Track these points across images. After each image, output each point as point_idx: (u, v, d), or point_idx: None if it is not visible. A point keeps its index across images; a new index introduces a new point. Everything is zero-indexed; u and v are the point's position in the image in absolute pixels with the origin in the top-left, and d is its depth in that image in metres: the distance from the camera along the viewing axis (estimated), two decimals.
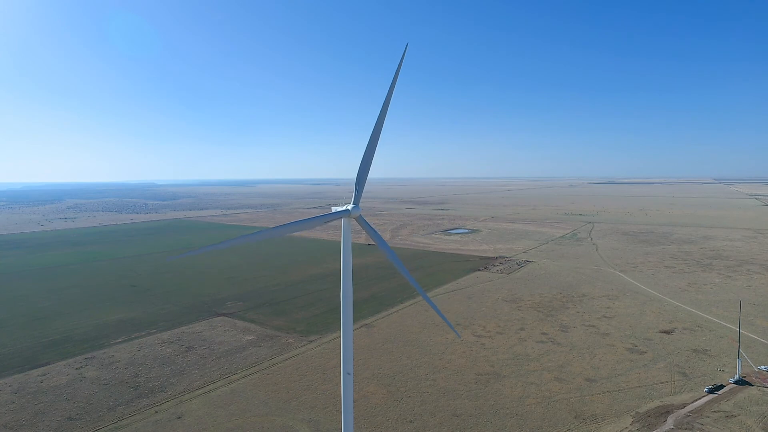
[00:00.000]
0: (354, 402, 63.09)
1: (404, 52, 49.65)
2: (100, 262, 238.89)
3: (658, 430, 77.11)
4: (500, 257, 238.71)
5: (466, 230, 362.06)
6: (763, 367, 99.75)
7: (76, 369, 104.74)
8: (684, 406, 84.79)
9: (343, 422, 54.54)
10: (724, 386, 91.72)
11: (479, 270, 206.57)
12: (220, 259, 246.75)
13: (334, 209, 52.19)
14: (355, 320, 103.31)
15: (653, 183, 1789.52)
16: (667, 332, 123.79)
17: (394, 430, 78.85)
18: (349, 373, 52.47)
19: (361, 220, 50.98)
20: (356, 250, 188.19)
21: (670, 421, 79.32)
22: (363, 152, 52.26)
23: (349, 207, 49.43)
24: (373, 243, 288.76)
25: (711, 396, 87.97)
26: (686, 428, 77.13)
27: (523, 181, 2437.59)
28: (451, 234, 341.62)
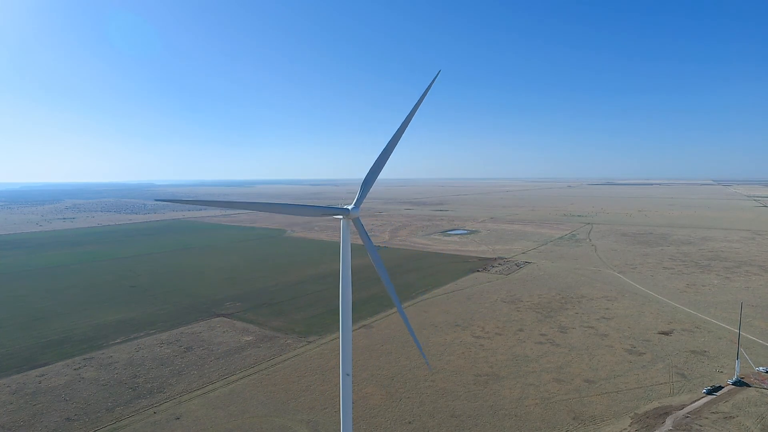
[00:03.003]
0: (353, 403, 63.06)
1: (435, 77, 51.30)
2: (99, 263, 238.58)
3: (656, 431, 77.21)
4: (499, 258, 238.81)
5: (465, 231, 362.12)
6: (761, 368, 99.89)
7: (75, 369, 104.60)
8: (683, 407, 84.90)
9: (342, 423, 54.53)
10: (723, 387, 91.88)
11: (478, 271, 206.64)
12: (219, 259, 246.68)
13: None
14: (354, 321, 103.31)
15: (652, 184, 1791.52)
16: (666, 333, 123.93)
17: (393, 430, 78.83)
18: (348, 374, 52.49)
19: (357, 222, 51.05)
20: (355, 251, 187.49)
21: (669, 423, 79.41)
22: (377, 157, 52.49)
23: (349, 207, 49.57)
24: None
25: (709, 397, 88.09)
26: (685, 429, 77.22)
27: (521, 182, 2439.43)
28: (450, 235, 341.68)
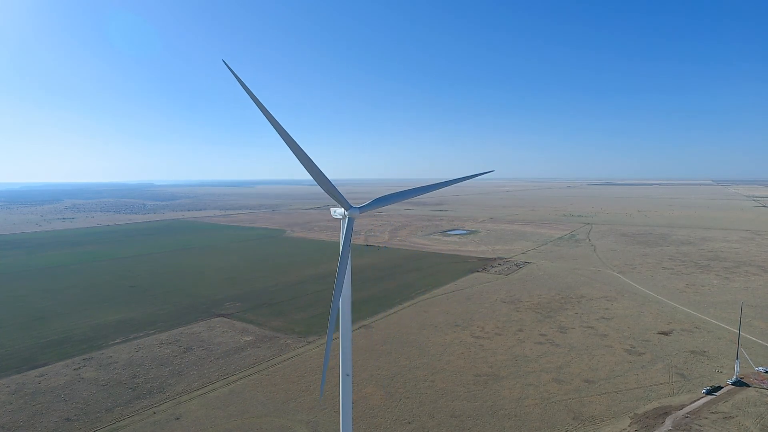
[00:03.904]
0: (352, 403, 63.03)
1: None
2: (99, 263, 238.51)
3: (656, 431, 77.24)
4: (499, 258, 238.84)
5: (465, 231, 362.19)
6: (761, 368, 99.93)
7: (74, 370, 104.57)
8: (682, 407, 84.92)
9: (341, 423, 54.58)
10: (722, 387, 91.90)
11: (478, 271, 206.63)
12: (219, 259, 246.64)
13: (333, 210, 52.44)
14: (353, 321, 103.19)
15: (652, 184, 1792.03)
16: (666, 333, 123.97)
17: (393, 430, 78.84)
18: (348, 374, 52.56)
19: (350, 223, 51.06)
20: (355, 251, 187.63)
21: (669, 423, 79.43)
22: (406, 189, 57.57)
23: (354, 206, 50.45)
24: (371, 244, 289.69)
25: (709, 397, 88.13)
26: (684, 429, 77.25)
27: (521, 182, 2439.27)
28: (449, 235, 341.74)
